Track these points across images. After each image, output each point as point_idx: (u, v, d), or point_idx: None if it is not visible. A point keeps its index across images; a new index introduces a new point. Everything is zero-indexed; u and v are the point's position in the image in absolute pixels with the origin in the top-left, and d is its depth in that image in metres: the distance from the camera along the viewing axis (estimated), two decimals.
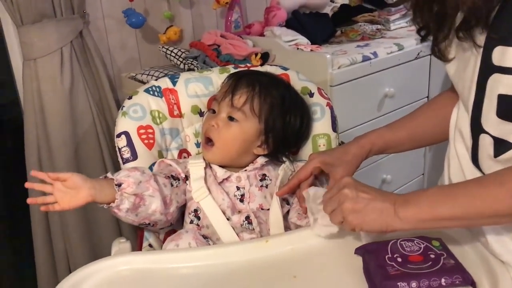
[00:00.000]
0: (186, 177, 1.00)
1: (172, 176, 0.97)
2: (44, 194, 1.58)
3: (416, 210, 0.75)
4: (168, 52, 1.81)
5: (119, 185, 0.87)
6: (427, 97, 2.01)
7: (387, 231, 0.77)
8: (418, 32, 0.87)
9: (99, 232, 1.79)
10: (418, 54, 1.89)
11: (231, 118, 0.99)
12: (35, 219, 1.75)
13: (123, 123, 1.03)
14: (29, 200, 0.85)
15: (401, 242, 0.79)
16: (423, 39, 0.87)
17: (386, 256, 0.76)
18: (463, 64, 0.81)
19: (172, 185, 0.96)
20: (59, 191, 0.83)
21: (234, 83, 1.01)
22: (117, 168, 1.81)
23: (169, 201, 0.94)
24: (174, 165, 1.00)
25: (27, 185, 0.86)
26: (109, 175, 0.89)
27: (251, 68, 1.16)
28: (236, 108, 0.99)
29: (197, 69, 1.70)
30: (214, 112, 1.02)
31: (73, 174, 0.84)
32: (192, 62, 1.73)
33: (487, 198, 0.72)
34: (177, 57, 1.79)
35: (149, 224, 0.94)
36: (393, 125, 1.04)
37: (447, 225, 0.78)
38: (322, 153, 1.01)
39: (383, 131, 1.02)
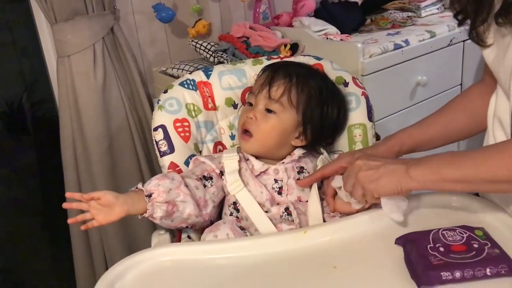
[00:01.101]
0: (221, 173, 1.00)
1: (204, 176, 0.98)
2: (79, 186, 1.62)
3: (425, 170, 0.79)
4: (198, 45, 1.82)
5: (150, 195, 0.88)
6: (461, 84, 1.97)
7: (401, 190, 0.81)
8: (455, 16, 0.86)
9: (134, 224, 1.82)
10: (451, 41, 1.85)
11: (268, 110, 0.99)
12: (72, 212, 1.79)
13: (160, 117, 1.03)
14: (69, 221, 0.89)
15: (442, 232, 0.78)
16: (460, 23, 0.86)
17: (428, 246, 0.75)
18: (503, 50, 0.79)
19: (205, 186, 0.97)
20: (94, 209, 0.86)
21: (271, 75, 1.01)
22: (149, 161, 1.85)
23: (203, 202, 0.95)
24: (208, 162, 1.00)
25: (65, 205, 0.90)
26: (139, 186, 0.91)
27: (285, 59, 1.15)
28: (274, 100, 0.99)
29: (227, 61, 1.70)
30: (251, 105, 1.02)
31: (106, 192, 0.86)
32: (222, 55, 1.74)
33: (488, 162, 0.75)
34: (206, 50, 1.80)
35: (187, 226, 0.95)
36: (422, 122, 1.02)
37: (455, 188, 0.80)
38: (350, 154, 1.01)
39: (412, 130, 1.01)
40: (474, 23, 0.82)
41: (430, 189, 0.82)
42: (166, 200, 0.89)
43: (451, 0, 0.85)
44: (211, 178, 0.98)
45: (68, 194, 0.88)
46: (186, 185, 0.93)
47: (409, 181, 0.79)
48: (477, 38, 0.83)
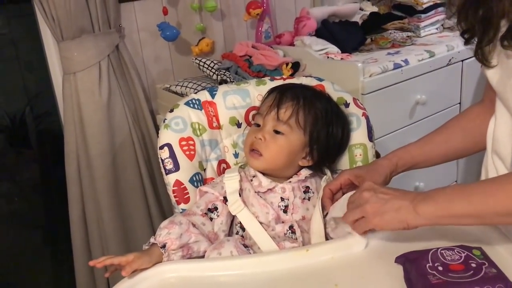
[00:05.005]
0: (225, 198, 1.02)
1: (209, 209, 1.00)
2: (82, 201, 1.61)
3: (434, 207, 0.78)
4: (201, 63, 1.85)
5: (164, 245, 0.91)
6: (460, 103, 2.00)
7: (408, 227, 0.80)
8: (462, 34, 0.88)
9: (136, 240, 1.83)
10: (450, 60, 1.88)
11: (276, 131, 1.02)
12: (74, 228, 1.81)
13: (166, 136, 1.06)
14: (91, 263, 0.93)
15: (441, 251, 0.80)
16: (466, 42, 0.87)
17: (427, 265, 0.77)
18: (507, 71, 0.81)
19: (211, 219, 1.00)
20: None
21: (279, 96, 1.03)
22: (152, 177, 1.86)
23: (213, 235, 0.98)
24: (210, 190, 1.02)
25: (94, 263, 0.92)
26: (152, 240, 0.93)
27: (288, 81, 1.18)
28: (282, 122, 1.01)
29: (230, 80, 1.73)
30: (258, 126, 1.05)
31: (133, 263, 0.87)
32: (225, 73, 1.77)
33: (499, 196, 0.74)
34: (209, 68, 1.83)
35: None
36: (420, 140, 1.06)
37: (464, 222, 0.80)
38: (353, 169, 1.06)
39: (409, 147, 1.05)
40: (480, 43, 0.83)
41: (439, 224, 0.81)
42: (180, 246, 0.91)
43: (457, 19, 0.87)
44: (216, 208, 1.00)
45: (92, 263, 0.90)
46: (194, 225, 0.96)
47: (417, 218, 0.79)
48: (482, 57, 0.84)
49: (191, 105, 1.11)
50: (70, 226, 1.81)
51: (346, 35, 1.95)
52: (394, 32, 2.00)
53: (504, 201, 0.74)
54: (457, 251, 0.79)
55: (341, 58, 1.80)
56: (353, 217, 0.85)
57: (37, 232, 2.30)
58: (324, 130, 1.04)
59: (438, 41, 1.99)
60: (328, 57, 1.81)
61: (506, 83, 0.82)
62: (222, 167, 1.13)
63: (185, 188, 1.04)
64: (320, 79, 1.18)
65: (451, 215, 0.78)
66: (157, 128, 1.84)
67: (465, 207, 0.77)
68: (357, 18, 2.14)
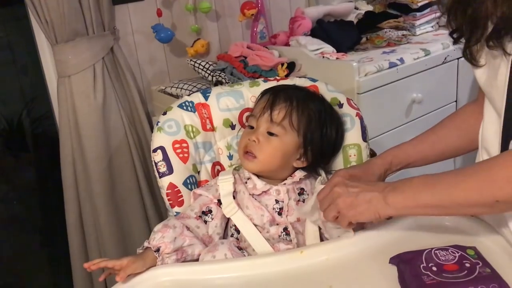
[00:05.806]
0: (220, 201, 1.02)
1: (203, 212, 1.00)
2: (78, 204, 1.59)
3: (402, 197, 0.81)
4: (196, 64, 1.85)
5: (158, 249, 0.91)
6: (456, 101, 1.99)
7: (380, 217, 0.83)
8: (451, 34, 0.88)
9: (133, 242, 1.83)
10: (445, 58, 1.88)
11: (270, 133, 1.02)
12: (71, 231, 1.80)
13: (159, 138, 1.05)
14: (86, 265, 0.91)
15: (435, 251, 0.80)
16: (455, 42, 0.88)
17: (421, 265, 0.77)
18: (494, 71, 0.82)
19: (205, 222, 1.00)
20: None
21: (272, 98, 1.03)
22: (148, 179, 1.86)
23: (208, 238, 0.98)
24: (205, 193, 1.02)
25: (87, 265, 0.91)
26: (146, 244, 0.93)
27: (281, 82, 1.17)
28: (276, 123, 1.01)
29: (225, 81, 1.73)
30: (251, 128, 1.04)
31: (127, 268, 0.87)
32: (220, 74, 1.77)
33: (460, 186, 0.76)
34: (204, 69, 1.82)
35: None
36: (415, 138, 1.06)
37: (431, 213, 0.82)
38: (348, 168, 1.06)
39: (404, 145, 1.05)
40: (468, 42, 0.84)
41: (408, 214, 0.84)
42: (174, 249, 0.92)
43: (447, 18, 0.87)
44: (210, 211, 1.00)
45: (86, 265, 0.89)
46: (188, 228, 0.96)
47: (387, 208, 0.81)
48: (470, 57, 0.85)
49: (185, 108, 1.10)
50: (67, 229, 1.81)
51: (341, 34, 1.95)
52: (390, 31, 2.00)
53: (466, 193, 0.76)
54: (451, 251, 0.80)
55: (337, 58, 1.79)
56: (330, 214, 0.87)
57: (35, 236, 2.29)
58: (318, 131, 1.04)
59: (434, 39, 1.99)
60: (323, 56, 1.81)
61: (493, 83, 0.82)
62: (216, 169, 1.13)
63: (179, 191, 1.04)
64: (313, 80, 1.17)
65: (418, 205, 0.80)
66: (153, 130, 1.84)
67: (430, 198, 0.79)
68: (352, 17, 2.14)
